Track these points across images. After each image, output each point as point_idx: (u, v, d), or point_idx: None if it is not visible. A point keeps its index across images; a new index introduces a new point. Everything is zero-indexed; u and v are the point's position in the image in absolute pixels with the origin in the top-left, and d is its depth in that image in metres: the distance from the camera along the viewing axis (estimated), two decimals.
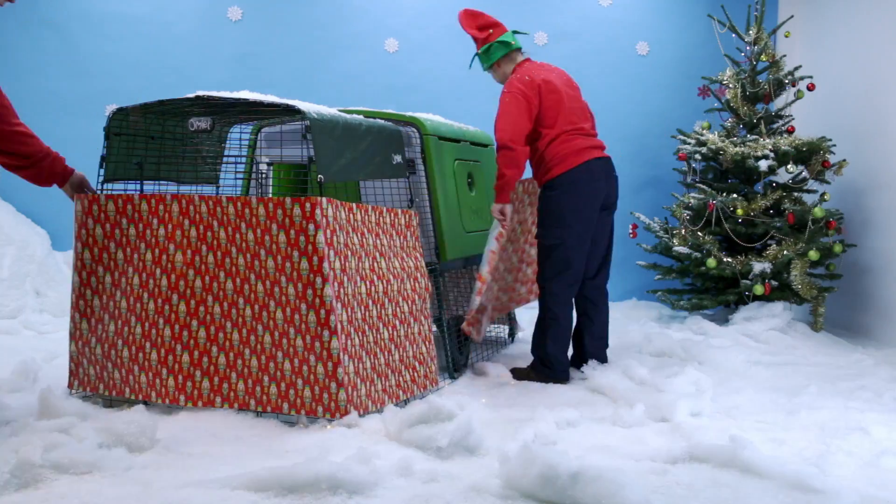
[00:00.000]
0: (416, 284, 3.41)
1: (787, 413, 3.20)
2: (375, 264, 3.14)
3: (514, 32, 3.90)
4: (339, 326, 2.83)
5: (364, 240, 3.08)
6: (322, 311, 2.82)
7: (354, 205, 3.07)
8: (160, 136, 3.44)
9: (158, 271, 3.10)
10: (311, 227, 2.82)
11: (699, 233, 5.03)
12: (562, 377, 3.72)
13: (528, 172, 4.15)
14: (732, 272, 4.88)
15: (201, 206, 3.04)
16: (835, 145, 5.09)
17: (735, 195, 5.01)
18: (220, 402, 3.02)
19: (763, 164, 4.91)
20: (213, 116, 3.27)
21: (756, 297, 4.92)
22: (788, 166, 4.95)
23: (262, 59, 6.13)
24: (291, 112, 3.11)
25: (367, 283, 3.07)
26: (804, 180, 5.13)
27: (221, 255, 3.01)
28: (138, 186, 3.38)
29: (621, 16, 6.22)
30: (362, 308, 3.01)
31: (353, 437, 2.69)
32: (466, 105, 5.90)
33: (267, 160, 3.87)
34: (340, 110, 3.34)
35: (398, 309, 3.26)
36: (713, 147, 5.10)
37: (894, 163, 4.83)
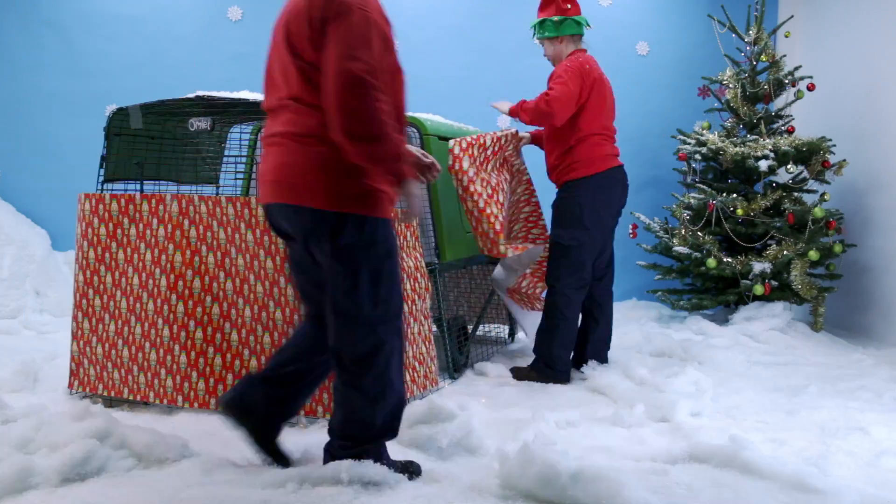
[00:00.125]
0: (416, 284, 3.40)
1: (787, 413, 3.19)
2: None
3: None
4: None
5: None
6: None
7: None
8: (160, 136, 3.44)
9: (158, 271, 3.10)
10: None
11: (699, 233, 5.03)
12: (563, 378, 3.73)
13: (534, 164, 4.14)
14: (732, 272, 4.88)
15: (201, 207, 3.04)
16: (835, 145, 5.08)
17: (735, 195, 5.01)
18: (214, 405, 3.01)
19: (763, 164, 4.90)
20: (213, 116, 3.27)
21: (756, 297, 4.92)
22: (788, 166, 4.95)
23: (262, 59, 6.09)
24: None
25: None
26: (804, 180, 5.13)
27: (221, 256, 3.01)
28: (138, 186, 3.38)
29: (621, 16, 6.22)
30: None
31: None
32: (466, 105, 5.90)
33: None
34: None
35: None
36: (713, 147, 5.10)
37: (894, 163, 4.83)
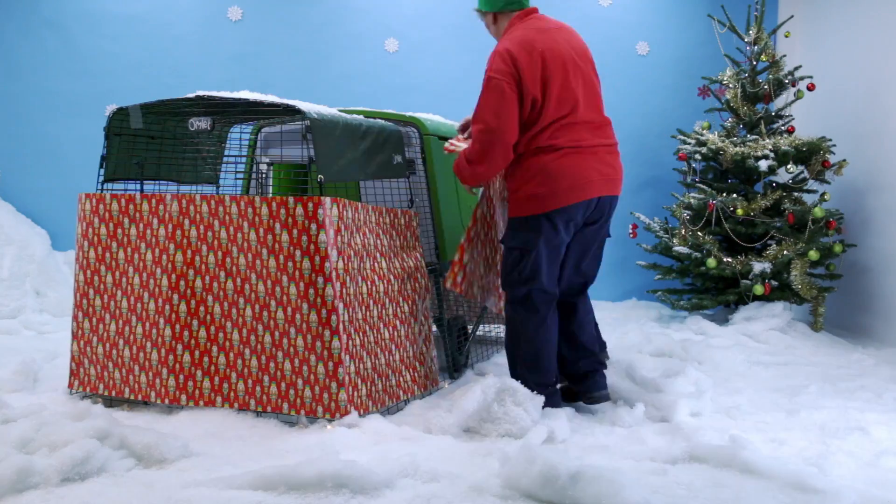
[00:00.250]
0: (417, 284, 3.41)
1: (787, 413, 3.20)
2: (376, 264, 3.14)
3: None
4: (340, 326, 2.83)
5: (365, 240, 3.09)
6: (324, 311, 2.82)
7: (359, 205, 3.07)
8: (160, 136, 3.44)
9: (159, 271, 3.10)
10: (314, 226, 2.82)
11: (699, 233, 5.03)
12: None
13: None
14: (732, 272, 4.88)
15: (202, 206, 3.04)
16: (835, 145, 5.09)
17: (735, 195, 5.01)
18: (220, 402, 3.02)
19: (763, 164, 4.91)
20: (213, 116, 3.27)
21: (756, 297, 4.92)
22: (788, 166, 4.96)
23: (262, 59, 6.13)
24: (291, 112, 3.11)
25: (368, 283, 3.07)
26: (804, 180, 5.14)
27: (222, 255, 3.01)
28: (138, 186, 3.39)
29: (621, 16, 6.22)
30: (363, 308, 3.01)
31: (353, 438, 2.69)
32: (466, 105, 5.89)
33: (267, 160, 3.87)
34: (340, 110, 3.34)
35: (399, 309, 3.26)
36: (713, 147, 5.10)
37: (894, 163, 4.83)
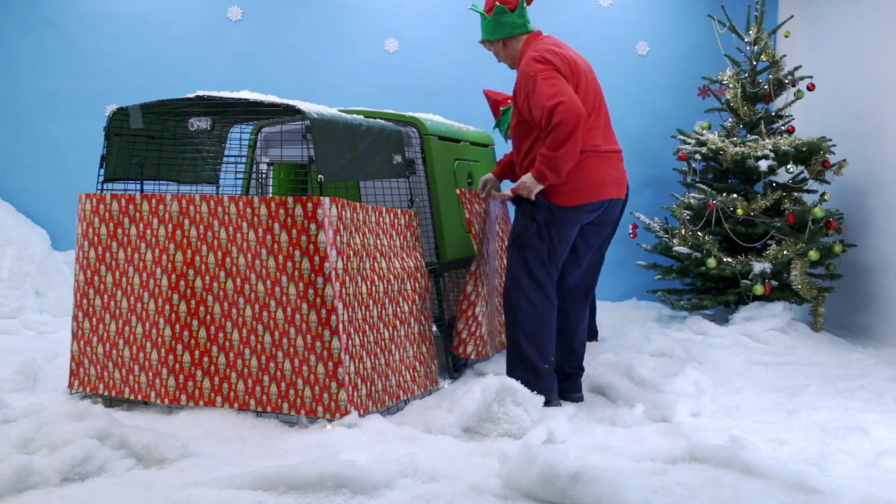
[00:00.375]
0: (417, 284, 3.41)
1: (787, 413, 3.20)
2: (376, 264, 3.14)
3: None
4: (340, 326, 2.83)
5: (365, 240, 3.09)
6: (323, 311, 2.82)
7: (358, 205, 3.07)
8: (160, 136, 3.44)
9: (159, 271, 3.10)
10: (313, 226, 2.82)
11: (699, 233, 5.03)
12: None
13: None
14: (732, 272, 4.88)
15: (202, 206, 3.04)
16: (835, 145, 5.09)
17: (735, 195, 5.01)
18: (220, 402, 3.02)
19: (763, 164, 4.90)
20: (213, 116, 3.27)
21: (756, 297, 4.92)
22: (788, 166, 4.95)
23: (262, 59, 6.13)
24: (291, 112, 3.11)
25: (368, 283, 3.07)
26: (804, 180, 5.13)
27: (222, 255, 3.01)
28: (138, 186, 3.39)
29: (621, 16, 6.22)
30: (363, 308, 3.01)
31: (353, 438, 2.69)
32: (466, 105, 5.90)
33: (267, 160, 3.87)
34: (340, 110, 3.34)
35: (399, 309, 3.26)
36: (713, 147, 5.10)
37: (894, 163, 4.83)
